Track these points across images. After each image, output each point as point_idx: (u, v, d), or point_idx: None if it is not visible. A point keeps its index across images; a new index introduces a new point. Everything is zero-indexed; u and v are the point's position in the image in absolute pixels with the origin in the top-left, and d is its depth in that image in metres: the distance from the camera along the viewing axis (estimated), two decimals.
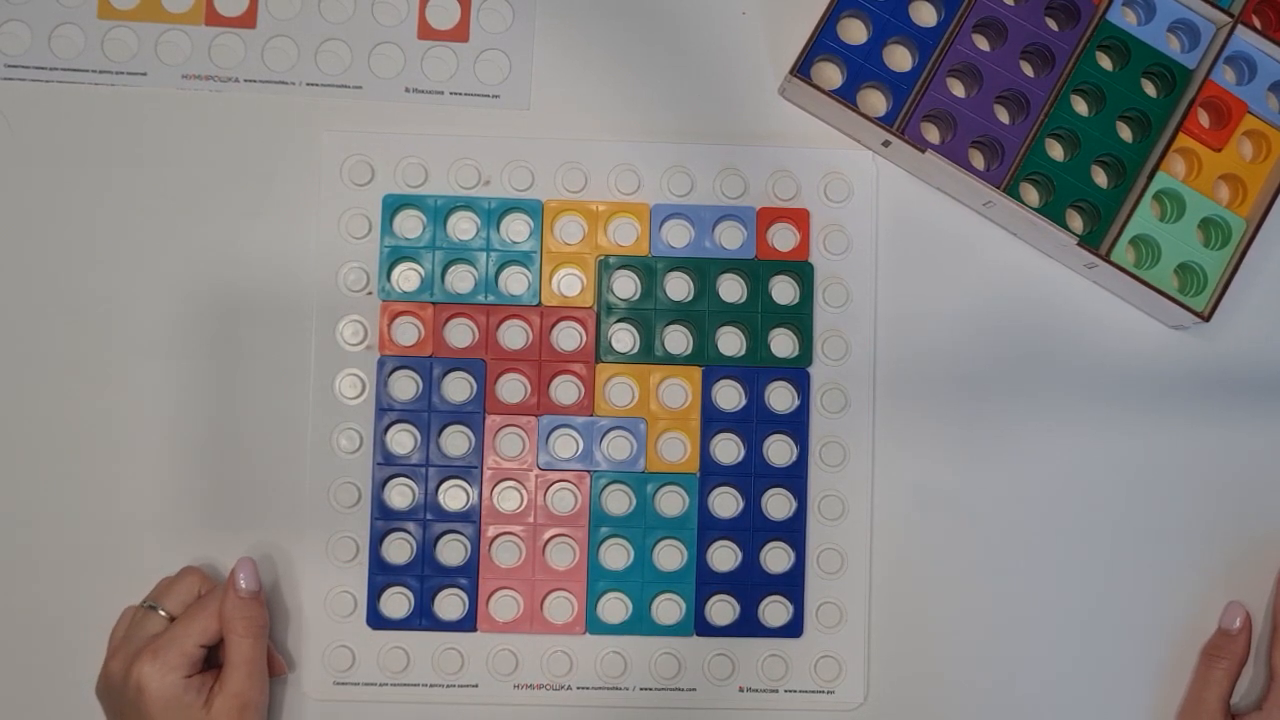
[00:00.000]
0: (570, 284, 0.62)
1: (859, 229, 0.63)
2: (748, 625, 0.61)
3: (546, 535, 0.61)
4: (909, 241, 0.63)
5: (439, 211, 0.62)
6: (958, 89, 0.63)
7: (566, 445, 0.61)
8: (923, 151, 0.60)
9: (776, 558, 0.61)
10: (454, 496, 0.61)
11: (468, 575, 0.60)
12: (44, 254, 0.61)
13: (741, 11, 0.64)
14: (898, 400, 0.62)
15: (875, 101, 0.63)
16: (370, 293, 0.62)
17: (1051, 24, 0.63)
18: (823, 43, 0.61)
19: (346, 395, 0.61)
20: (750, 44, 0.64)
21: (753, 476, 0.61)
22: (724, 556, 0.61)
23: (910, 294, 0.63)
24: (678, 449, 0.61)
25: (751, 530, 0.61)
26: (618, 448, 0.61)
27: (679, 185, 0.62)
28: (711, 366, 0.62)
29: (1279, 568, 0.62)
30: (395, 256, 0.62)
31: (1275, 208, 0.61)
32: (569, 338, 0.62)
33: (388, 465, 0.61)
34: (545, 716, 0.60)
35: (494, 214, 0.62)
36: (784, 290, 0.62)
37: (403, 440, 0.61)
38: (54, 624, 0.60)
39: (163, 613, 0.56)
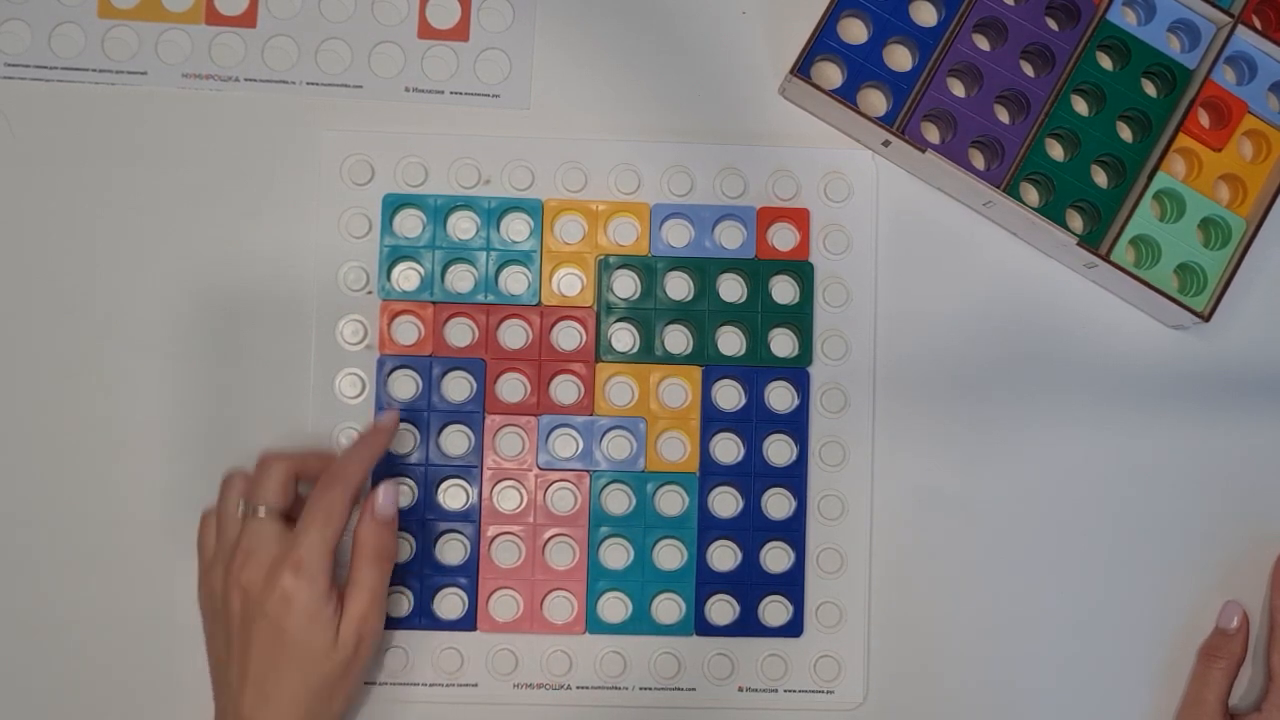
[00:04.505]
0: (570, 283, 0.62)
1: (859, 229, 0.63)
2: (747, 625, 0.61)
3: (546, 535, 0.61)
4: (909, 241, 0.63)
5: (439, 211, 0.62)
6: (958, 89, 0.63)
7: (566, 445, 0.61)
8: (923, 151, 0.60)
9: (776, 557, 0.61)
10: (454, 496, 0.61)
11: (467, 575, 0.60)
12: (44, 254, 0.61)
13: (741, 11, 0.64)
14: (898, 400, 0.62)
15: (875, 101, 0.63)
16: (370, 292, 0.62)
17: (1051, 24, 0.63)
18: (823, 42, 0.61)
19: (346, 395, 0.61)
20: (750, 44, 0.64)
21: (752, 476, 0.61)
22: (724, 556, 0.61)
23: (910, 294, 0.63)
24: (677, 448, 0.61)
25: (751, 530, 0.61)
26: (617, 447, 0.61)
27: (679, 185, 0.62)
28: (711, 366, 0.62)
29: (1275, 568, 0.62)
30: (395, 256, 0.62)
31: (1275, 208, 0.61)
32: (569, 337, 0.62)
33: (387, 465, 0.61)
34: (545, 716, 0.60)
35: (494, 213, 0.62)
36: (784, 290, 0.62)
37: (403, 440, 0.61)
38: (54, 624, 0.60)
39: (264, 513, 0.54)
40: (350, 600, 0.54)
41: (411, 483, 0.59)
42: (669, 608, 0.61)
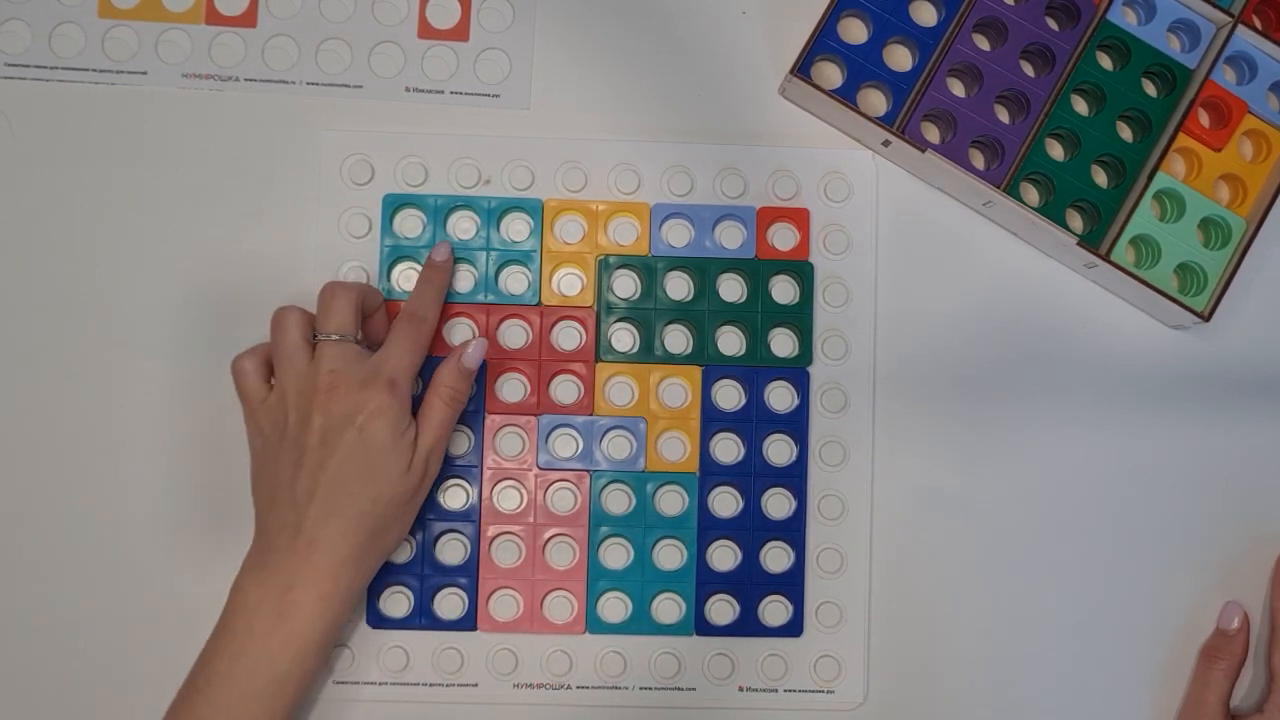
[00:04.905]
0: (570, 283, 0.62)
1: (859, 229, 0.63)
2: (747, 625, 0.61)
3: (546, 535, 0.61)
4: (909, 241, 0.63)
5: (439, 211, 0.62)
6: (958, 89, 0.63)
7: (566, 445, 0.61)
8: (923, 151, 0.60)
9: (776, 557, 0.61)
10: (454, 496, 0.61)
11: (468, 575, 0.60)
12: (44, 254, 0.61)
13: (741, 11, 0.64)
14: (898, 400, 0.62)
15: (875, 101, 0.63)
16: None
17: (1051, 24, 0.63)
18: (823, 42, 0.61)
19: None
20: (750, 44, 0.64)
21: (752, 476, 0.61)
22: (724, 556, 0.61)
23: (910, 294, 0.63)
24: (677, 448, 0.61)
25: (751, 530, 0.61)
26: (617, 447, 0.61)
27: (679, 185, 0.62)
28: (711, 366, 0.62)
29: (1276, 568, 0.62)
30: (395, 256, 0.62)
31: (1275, 208, 0.61)
32: (569, 337, 0.62)
33: None
34: (545, 716, 0.60)
35: (494, 213, 0.62)
36: (784, 290, 0.62)
37: None
38: (54, 624, 0.60)
39: (341, 339, 0.55)
40: (421, 433, 0.56)
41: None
42: (669, 608, 0.61)
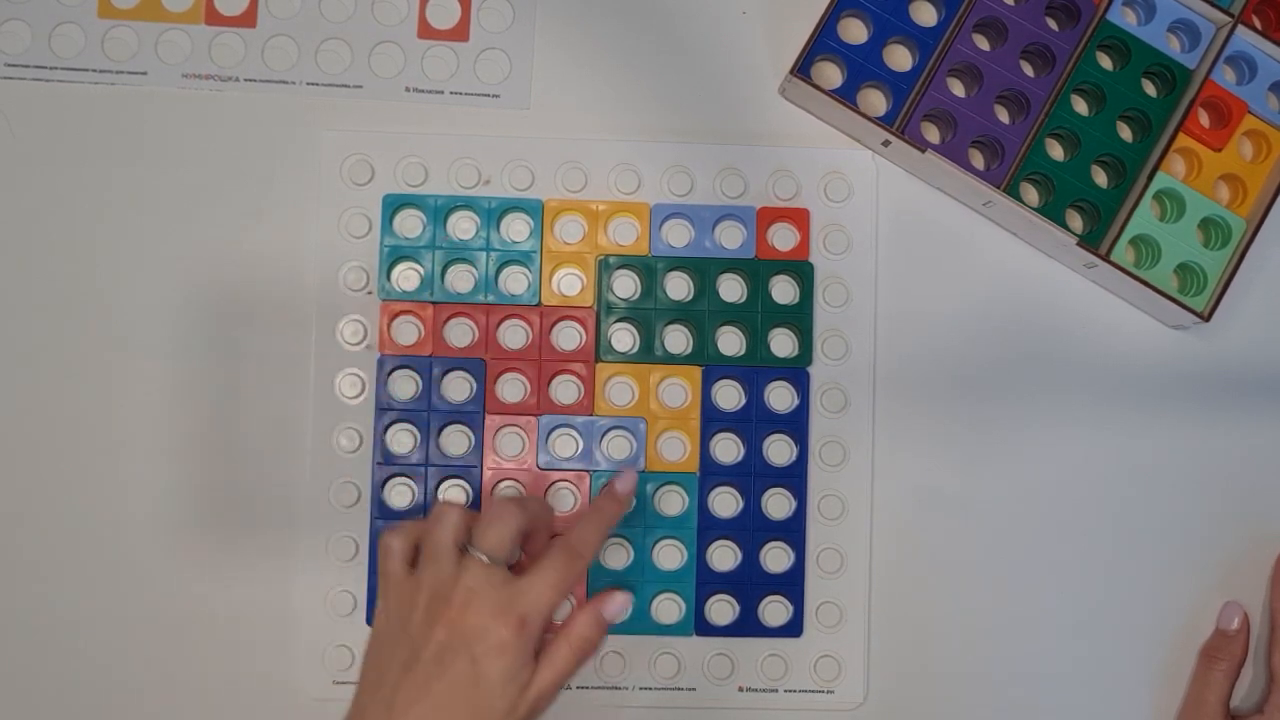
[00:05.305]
0: (570, 283, 0.62)
1: (859, 229, 0.63)
2: (747, 625, 0.61)
3: None
4: (909, 241, 0.63)
5: (439, 211, 0.62)
6: (958, 89, 0.63)
7: (566, 445, 0.61)
8: (923, 151, 0.60)
9: (776, 557, 0.61)
10: (454, 496, 0.61)
11: None
12: (44, 254, 0.61)
13: (741, 11, 0.64)
14: (898, 400, 0.62)
15: (875, 101, 0.63)
16: (370, 292, 0.62)
17: (1051, 24, 0.63)
18: (823, 42, 0.61)
19: (346, 395, 0.61)
20: (750, 44, 0.64)
21: (753, 476, 0.61)
22: (724, 556, 0.61)
23: (910, 294, 0.63)
24: (677, 448, 0.61)
25: (751, 530, 0.61)
26: (617, 447, 0.61)
27: (679, 185, 0.62)
28: (711, 366, 0.62)
29: (1275, 568, 0.62)
30: (395, 256, 0.62)
31: (1275, 208, 0.61)
32: (569, 337, 0.62)
33: (388, 465, 0.61)
34: (545, 716, 0.60)
35: (494, 213, 0.62)
36: (784, 290, 0.62)
37: (402, 440, 0.61)
38: (54, 624, 0.60)
39: (489, 561, 0.52)
40: (539, 674, 0.52)
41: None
42: (669, 608, 0.61)
